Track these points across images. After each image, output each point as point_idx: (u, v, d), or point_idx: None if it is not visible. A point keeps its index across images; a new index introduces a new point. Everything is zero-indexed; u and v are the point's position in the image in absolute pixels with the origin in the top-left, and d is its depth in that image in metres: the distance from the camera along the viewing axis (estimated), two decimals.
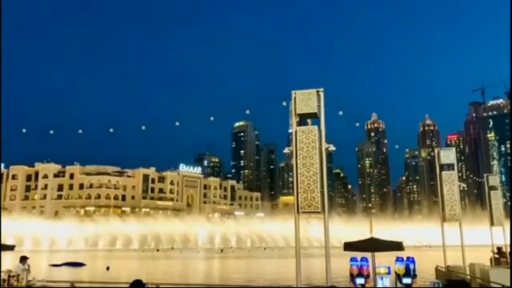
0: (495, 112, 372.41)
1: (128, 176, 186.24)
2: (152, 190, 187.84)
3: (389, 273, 17.29)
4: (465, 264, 24.59)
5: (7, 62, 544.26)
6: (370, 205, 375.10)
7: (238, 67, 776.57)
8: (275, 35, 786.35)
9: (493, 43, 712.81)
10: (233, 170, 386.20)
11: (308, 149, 15.02)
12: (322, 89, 15.86)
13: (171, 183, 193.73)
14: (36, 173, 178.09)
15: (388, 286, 17.06)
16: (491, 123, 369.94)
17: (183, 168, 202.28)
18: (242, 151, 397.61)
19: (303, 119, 15.76)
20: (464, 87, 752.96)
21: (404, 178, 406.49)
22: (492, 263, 28.63)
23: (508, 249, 28.83)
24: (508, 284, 16.63)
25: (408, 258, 17.86)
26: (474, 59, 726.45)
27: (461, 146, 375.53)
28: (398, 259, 17.97)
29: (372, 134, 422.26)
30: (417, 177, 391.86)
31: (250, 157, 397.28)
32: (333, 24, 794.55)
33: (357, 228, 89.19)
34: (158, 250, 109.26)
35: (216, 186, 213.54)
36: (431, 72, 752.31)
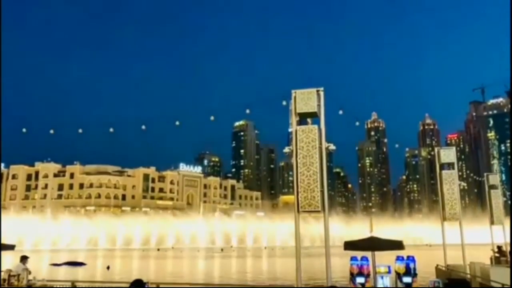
0: (495, 111, 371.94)
1: (128, 176, 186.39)
2: (152, 189, 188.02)
3: (389, 272, 17.27)
4: (465, 263, 24.59)
5: (7, 62, 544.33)
6: (370, 204, 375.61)
7: (238, 67, 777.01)
8: (275, 35, 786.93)
9: (493, 42, 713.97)
10: (233, 170, 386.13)
11: (308, 148, 15.03)
12: (322, 89, 15.87)
13: (171, 182, 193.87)
14: (36, 173, 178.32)
15: (388, 285, 17.04)
16: (491, 122, 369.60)
17: (183, 167, 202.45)
18: (242, 151, 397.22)
19: (303, 118, 15.77)
20: (464, 86, 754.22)
21: (404, 177, 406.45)
22: (492, 262, 28.62)
23: (508, 248, 28.87)
24: (509, 283, 16.64)
25: (408, 257, 17.83)
26: (474, 58, 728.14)
27: (461, 145, 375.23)
28: (399, 258, 17.94)
29: (372, 133, 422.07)
30: (417, 176, 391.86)
31: (250, 156, 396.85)
32: (333, 24, 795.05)
33: (357, 227, 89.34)
34: (158, 250, 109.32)
35: (216, 186, 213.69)
36: (431, 71, 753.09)
